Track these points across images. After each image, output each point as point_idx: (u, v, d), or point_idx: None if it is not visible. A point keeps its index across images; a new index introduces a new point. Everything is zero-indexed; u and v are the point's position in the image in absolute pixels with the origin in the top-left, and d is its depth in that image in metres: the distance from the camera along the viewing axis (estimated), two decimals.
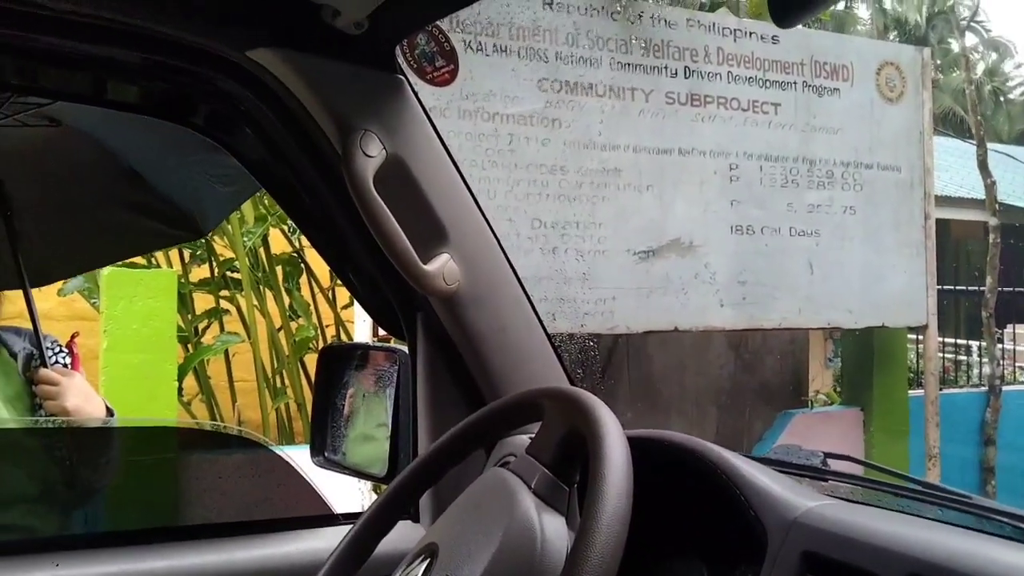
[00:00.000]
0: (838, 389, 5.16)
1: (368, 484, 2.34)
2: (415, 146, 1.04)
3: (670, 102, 3.33)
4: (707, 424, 3.96)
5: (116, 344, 2.99)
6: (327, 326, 4.04)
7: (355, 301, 3.90)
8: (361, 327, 3.31)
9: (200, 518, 1.20)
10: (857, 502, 0.77)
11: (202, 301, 3.90)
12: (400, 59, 1.04)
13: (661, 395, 4.05)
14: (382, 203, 0.98)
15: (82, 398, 1.45)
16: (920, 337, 4.33)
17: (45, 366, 1.48)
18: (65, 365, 1.53)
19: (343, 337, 3.98)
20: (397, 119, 1.03)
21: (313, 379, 3.88)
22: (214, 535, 1.08)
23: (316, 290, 4.04)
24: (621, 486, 0.60)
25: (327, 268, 4.09)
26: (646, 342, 3.88)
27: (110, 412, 1.52)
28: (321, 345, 3.95)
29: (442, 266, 1.06)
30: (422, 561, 0.71)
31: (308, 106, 1.01)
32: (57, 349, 1.55)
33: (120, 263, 3.11)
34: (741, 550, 0.74)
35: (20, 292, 1.63)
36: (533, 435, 1.00)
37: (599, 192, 3.15)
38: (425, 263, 1.04)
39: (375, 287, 1.19)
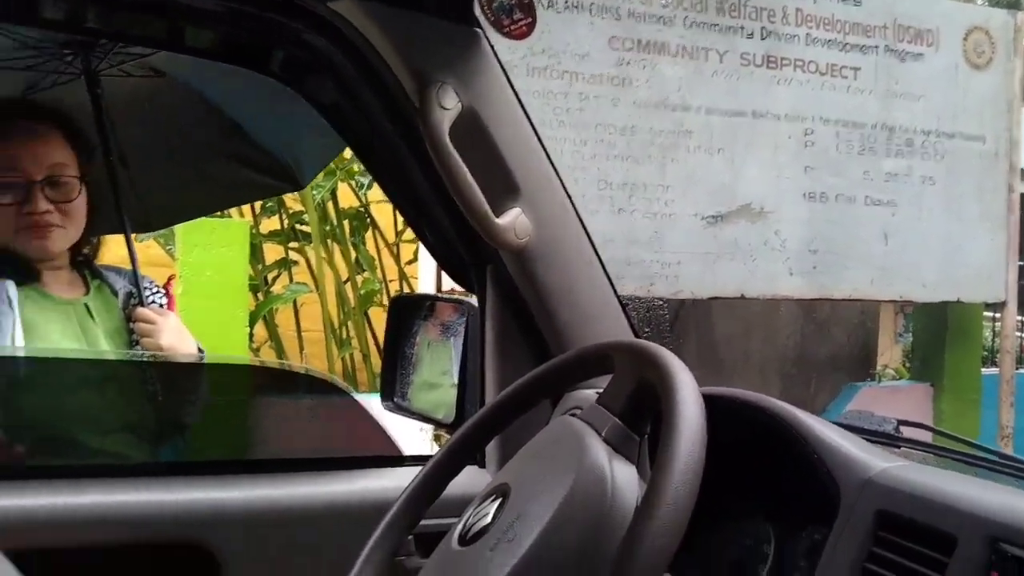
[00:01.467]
0: (907, 365, 5.02)
1: (428, 430, 2.39)
2: (490, 99, 1.05)
3: (745, 63, 3.24)
4: (770, 393, 3.88)
5: (191, 289, 3.09)
6: (391, 280, 4.10)
7: (418, 257, 3.96)
8: (425, 281, 3.35)
9: (274, 453, 1.26)
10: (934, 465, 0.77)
11: (272, 252, 4.00)
12: (477, 11, 1.04)
13: (724, 361, 4.01)
14: (457, 155, 0.99)
15: (176, 337, 1.52)
16: (997, 314, 4.17)
17: (143, 305, 1.55)
18: (161, 305, 1.60)
19: (406, 291, 4.04)
20: (473, 72, 1.03)
21: (378, 331, 3.96)
22: (288, 469, 1.12)
23: (381, 245, 4.10)
24: (695, 438, 0.61)
25: (392, 224, 4.15)
26: (711, 308, 3.84)
27: (200, 352, 1.59)
28: (385, 299, 4.02)
29: (513, 220, 1.07)
30: (493, 500, 0.73)
31: (387, 57, 1.02)
32: (155, 290, 1.62)
33: None
34: (811, 509, 0.74)
35: (117, 238, 1.69)
36: (600, 390, 1.02)
37: (668, 154, 3.10)
38: (497, 216, 1.05)
39: (447, 239, 1.21)
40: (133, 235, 1.75)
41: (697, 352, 3.97)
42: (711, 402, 0.80)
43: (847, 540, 0.69)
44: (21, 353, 1.43)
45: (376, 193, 4.16)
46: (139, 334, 1.51)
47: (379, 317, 4.00)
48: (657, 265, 3.05)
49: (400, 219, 4.13)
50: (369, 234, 4.10)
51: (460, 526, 0.74)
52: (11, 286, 1.42)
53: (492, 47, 1.08)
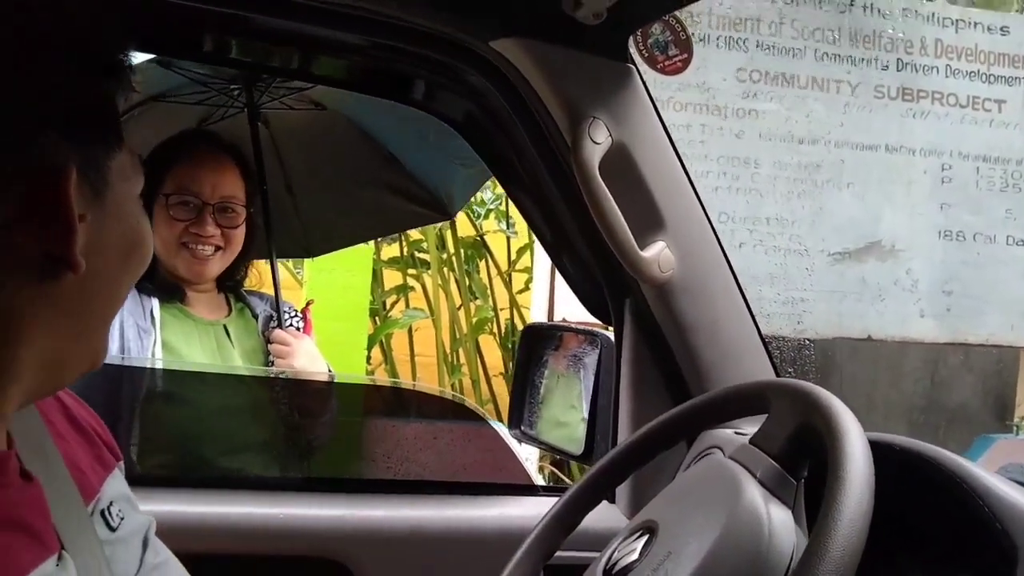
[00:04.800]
0: None
1: (534, 460, 2.41)
2: (640, 134, 1.06)
3: (879, 96, 3.13)
4: None
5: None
6: (502, 309, 4.15)
7: (530, 286, 4.00)
8: (537, 311, 3.37)
9: (411, 475, 1.29)
10: None
11: (391, 278, 4.13)
12: (632, 49, 1.06)
13: (848, 406, 3.84)
14: (606, 189, 1.01)
15: (308, 359, 1.60)
16: None
17: (281, 327, 1.65)
18: (298, 329, 1.69)
19: (517, 320, 4.07)
20: (625, 107, 1.05)
21: (487, 358, 4.00)
22: (425, 491, 1.15)
23: (494, 273, 4.16)
24: (864, 489, 0.59)
25: (505, 252, 4.20)
26: (835, 350, 3.69)
27: (330, 373, 1.68)
28: (495, 327, 4.07)
29: (658, 253, 1.07)
30: (639, 537, 0.73)
31: (541, 94, 1.05)
32: (293, 314, 1.72)
33: None
34: (981, 567, 0.71)
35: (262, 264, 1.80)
36: (739, 431, 1.00)
37: (794, 188, 3.02)
38: (642, 249, 1.06)
39: (587, 270, 1.22)
40: (297, 259, 1.87)
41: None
42: (877, 448, 0.78)
43: None
44: (170, 367, 1.53)
45: (491, 223, 4.24)
46: (274, 355, 1.60)
47: (488, 344, 4.05)
48: (780, 302, 2.97)
49: (513, 248, 4.19)
50: (482, 262, 4.17)
51: (604, 560, 0.74)
52: (156, 305, 1.54)
53: (644, 83, 1.09)
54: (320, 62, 1.21)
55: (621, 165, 1.04)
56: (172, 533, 1.02)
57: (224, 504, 1.06)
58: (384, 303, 4.08)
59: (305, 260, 3.44)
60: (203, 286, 1.61)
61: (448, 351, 3.91)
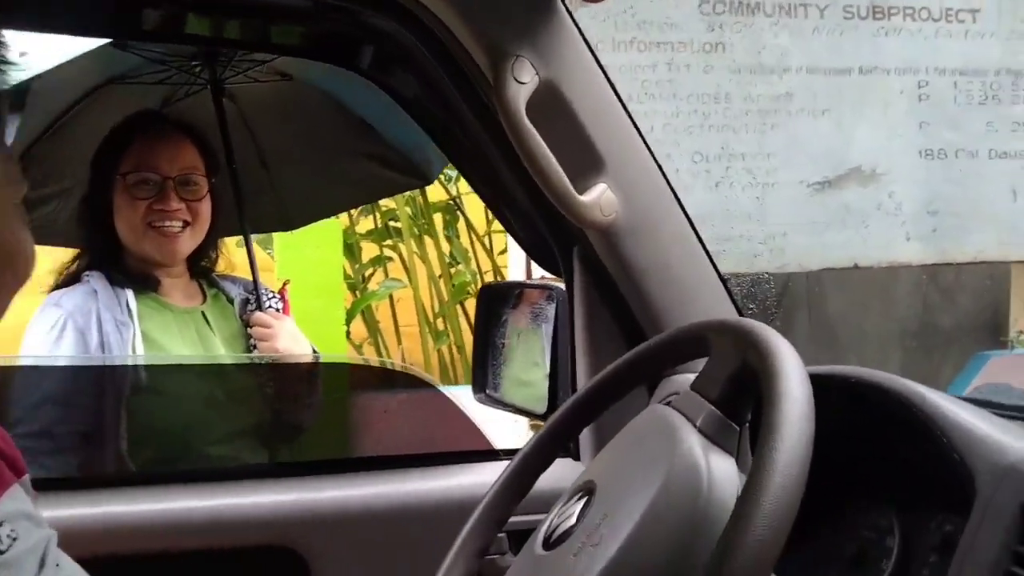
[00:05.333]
0: None
1: (524, 421, 2.37)
2: (570, 70, 0.99)
3: (848, 16, 3.03)
4: (890, 368, 3.65)
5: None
6: (485, 272, 4.10)
7: (509, 247, 3.95)
8: (515, 272, 3.32)
9: (362, 452, 1.25)
10: None
11: (369, 251, 4.07)
12: None
13: (840, 337, 3.80)
14: (534, 131, 0.94)
15: (291, 340, 1.56)
16: None
17: (261, 310, 1.61)
18: (277, 310, 1.65)
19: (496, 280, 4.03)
20: (551, 43, 0.97)
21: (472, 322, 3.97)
22: (377, 468, 1.10)
23: (474, 238, 4.10)
24: (801, 426, 0.54)
25: (484, 215, 4.15)
26: (823, 280, 3.64)
27: (315, 353, 1.64)
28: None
29: (599, 196, 1.01)
30: (579, 499, 0.68)
31: (459, 35, 0.98)
32: (270, 295, 1.68)
33: None
34: (940, 498, 0.66)
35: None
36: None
37: (768, 120, 2.94)
38: (581, 193, 0.99)
39: (530, 222, 1.16)
40: (275, 233, 1.83)
41: (809, 329, 3.77)
42: (824, 382, 0.73)
43: (985, 537, 0.60)
44: (129, 362, 1.47)
45: (466, 185, 4.17)
46: (256, 338, 1.56)
47: (473, 308, 4.00)
48: (760, 238, 2.90)
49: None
50: (462, 226, 4.11)
51: (545, 527, 0.69)
52: (131, 296, 1.50)
53: (572, 15, 1.02)
54: (230, 24, 1.14)
55: (551, 105, 0.98)
56: (108, 535, 0.98)
57: (164, 500, 1.01)
58: (363, 276, 4.03)
59: (275, 240, 3.37)
60: (175, 270, 1.57)
61: (432, 318, 3.86)
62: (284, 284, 1.77)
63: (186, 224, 1.53)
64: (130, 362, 1.47)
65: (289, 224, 2.41)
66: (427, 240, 3.97)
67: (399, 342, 4.07)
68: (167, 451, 1.35)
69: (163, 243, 1.52)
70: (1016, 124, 3.26)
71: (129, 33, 1.38)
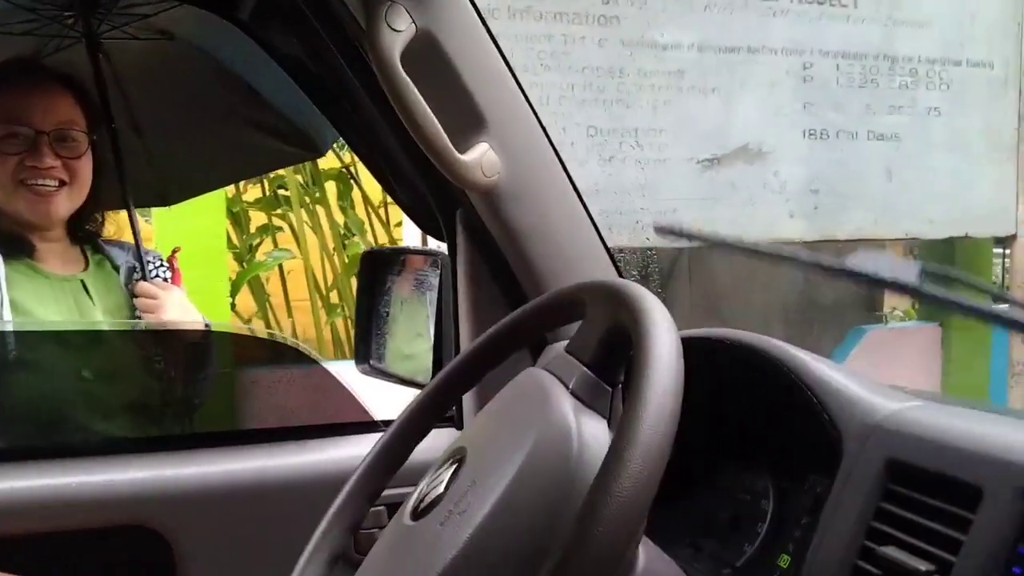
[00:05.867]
0: (916, 306, 4.92)
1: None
2: (449, 21, 0.94)
3: None
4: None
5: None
6: (381, 244, 4.01)
7: (405, 219, 3.87)
8: (411, 242, 3.25)
9: (240, 426, 1.18)
10: (954, 404, 0.67)
11: (258, 220, 3.91)
12: None
13: (725, 310, 3.91)
14: (410, 83, 0.89)
15: (179, 311, 1.46)
16: (1007, 249, 4.06)
17: (146, 279, 1.49)
18: (165, 279, 1.54)
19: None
20: None
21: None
22: (255, 440, 1.04)
23: (369, 209, 4.00)
24: (668, 383, 0.52)
25: (379, 186, 4.05)
26: (709, 254, 3.74)
27: (207, 325, 1.55)
28: None
29: (480, 156, 0.97)
30: (449, 467, 0.65)
31: None
32: (158, 264, 1.57)
33: None
34: (814, 460, 0.66)
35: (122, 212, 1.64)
36: None
37: (660, 96, 2.96)
38: (462, 153, 0.95)
39: (411, 184, 1.12)
40: (151, 208, 1.71)
41: (697, 302, 3.87)
42: (700, 344, 0.71)
43: (851, 494, 0.60)
44: None
45: None
46: (140, 310, 1.46)
47: None
48: (651, 213, 2.94)
49: None
50: (358, 196, 4.00)
51: (415, 497, 0.66)
52: (0, 261, 1.36)
53: None
54: None
55: (429, 57, 0.93)
56: None
57: (10, 479, 0.92)
58: (250, 246, 3.86)
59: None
60: (52, 233, 1.44)
61: (324, 291, 3.75)
62: (174, 251, 1.67)
63: (62, 183, 1.40)
64: None
65: (165, 199, 2.25)
66: (319, 210, 3.84)
67: (289, 315, 3.93)
68: (21, 427, 1.24)
69: (36, 203, 1.39)
70: (892, 107, 3.42)
71: None
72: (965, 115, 3.55)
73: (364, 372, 1.29)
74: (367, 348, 1.31)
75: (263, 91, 1.85)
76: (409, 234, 3.29)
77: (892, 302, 4.88)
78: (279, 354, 1.31)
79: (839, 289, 4.25)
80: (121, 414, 1.36)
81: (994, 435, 0.56)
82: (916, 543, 0.54)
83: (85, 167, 1.43)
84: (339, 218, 3.97)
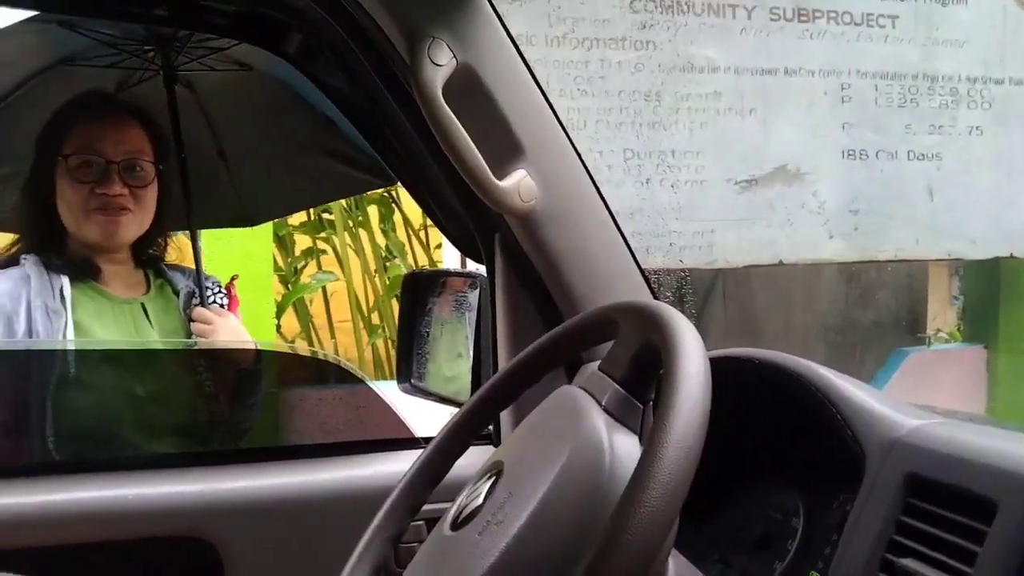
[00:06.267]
0: (961, 328, 4.83)
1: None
2: (487, 54, 0.98)
3: (775, 18, 3.10)
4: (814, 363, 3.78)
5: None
6: (421, 266, 4.07)
7: (445, 241, 3.93)
8: (451, 266, 3.30)
9: (287, 441, 1.22)
10: (974, 421, 0.69)
11: (302, 243, 4.00)
12: None
13: (765, 331, 3.89)
14: (451, 114, 0.93)
15: (231, 337, 1.52)
16: None
17: (204, 305, 1.55)
18: (222, 305, 1.60)
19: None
20: (468, 25, 0.97)
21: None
22: (296, 456, 1.08)
23: (410, 232, 4.07)
24: (695, 400, 0.54)
25: (419, 209, 4.11)
26: (749, 277, 3.73)
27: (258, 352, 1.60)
28: None
29: (518, 182, 1.00)
30: (487, 480, 0.68)
31: (376, 16, 0.97)
32: (217, 290, 1.62)
33: None
34: (839, 476, 0.67)
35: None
36: None
37: (697, 118, 2.99)
38: (500, 179, 0.99)
39: (452, 210, 1.16)
40: (234, 228, 1.78)
41: (735, 325, 3.85)
42: (728, 363, 0.74)
43: (872, 509, 0.62)
44: (43, 347, 1.42)
45: None
46: (195, 334, 1.52)
47: None
48: (689, 235, 2.95)
49: None
50: (399, 219, 4.07)
51: (454, 509, 0.69)
52: (66, 283, 1.44)
53: (491, 1, 1.01)
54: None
55: (469, 89, 0.97)
56: (17, 527, 0.94)
57: (71, 491, 0.97)
58: (295, 268, 3.96)
59: (202, 231, 3.28)
60: (118, 257, 1.51)
61: (366, 312, 3.82)
62: (232, 279, 1.74)
63: (128, 210, 1.48)
64: (46, 347, 1.41)
65: (248, 220, 2.35)
66: (361, 233, 3.91)
67: (332, 336, 4.00)
68: (79, 441, 1.30)
69: (104, 224, 1.46)
70: (932, 126, 3.39)
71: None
72: (1007, 133, 3.51)
73: (405, 391, 1.33)
74: (408, 367, 1.34)
75: (336, 120, 1.93)
76: (448, 256, 3.34)
77: (936, 323, 4.80)
78: (325, 373, 1.35)
79: (881, 310, 4.20)
80: (172, 432, 1.41)
81: (1009, 450, 0.57)
82: (935, 555, 0.55)
83: (151, 195, 1.50)
84: (381, 241, 4.05)
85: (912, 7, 3.34)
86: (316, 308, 4.04)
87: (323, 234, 3.95)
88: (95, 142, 1.46)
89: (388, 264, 3.99)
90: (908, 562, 0.57)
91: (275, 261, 3.69)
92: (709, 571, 0.69)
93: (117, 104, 1.56)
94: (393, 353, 3.83)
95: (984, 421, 0.70)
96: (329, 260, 3.99)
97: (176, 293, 1.57)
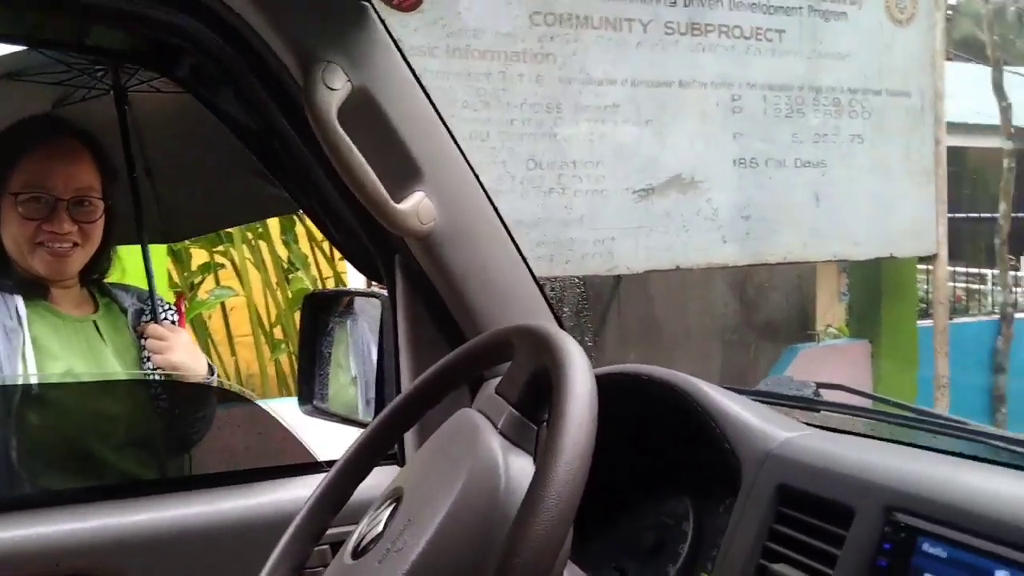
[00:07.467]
0: (849, 323, 5.11)
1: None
2: (383, 78, 0.99)
3: (669, 32, 3.22)
4: (711, 363, 3.95)
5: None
6: (325, 278, 4.01)
7: None
8: (355, 279, 3.28)
9: (183, 470, 1.19)
10: (844, 431, 0.74)
11: (198, 257, 3.89)
12: None
13: (664, 335, 4.02)
14: (346, 138, 0.94)
15: (188, 354, 1.50)
16: (930, 267, 4.26)
17: (156, 322, 1.53)
18: (173, 322, 1.58)
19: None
20: (362, 49, 0.97)
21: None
22: (198, 486, 1.06)
23: (313, 244, 4.01)
24: (581, 421, 0.57)
25: None
26: (648, 282, 3.84)
27: (211, 370, 1.56)
28: None
29: (416, 204, 1.01)
30: (387, 506, 0.69)
31: (268, 40, 0.96)
32: (166, 307, 1.61)
33: None
34: (723, 480, 0.71)
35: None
36: None
37: (596, 129, 3.07)
38: (398, 202, 1.00)
39: (352, 231, 1.16)
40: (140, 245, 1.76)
41: (636, 328, 3.97)
42: (618, 380, 0.77)
43: (749, 517, 0.66)
44: None
45: None
46: (150, 351, 1.50)
47: None
48: (591, 243, 3.02)
49: None
50: (301, 231, 4.00)
51: (355, 536, 0.70)
52: (20, 303, 1.41)
53: (384, 23, 1.02)
54: (45, 22, 1.07)
55: (364, 112, 0.97)
56: None
57: None
58: (191, 283, 3.84)
59: None
60: (66, 282, 1.48)
61: (268, 327, 3.73)
62: (180, 297, 1.71)
63: (76, 245, 1.45)
64: None
65: (167, 236, 2.34)
66: (261, 245, 3.82)
67: (233, 353, 3.90)
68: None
69: (51, 262, 1.44)
70: (818, 135, 3.58)
71: None
72: (886, 142, 3.74)
73: (308, 413, 1.31)
74: (310, 389, 1.33)
75: None
76: (354, 269, 3.31)
77: (826, 319, 5.06)
78: (225, 400, 1.33)
79: (773, 310, 4.39)
80: (71, 467, 1.36)
81: (867, 461, 0.63)
82: (803, 560, 0.60)
83: (98, 228, 1.48)
84: (282, 253, 3.97)
85: (798, 22, 3.52)
86: (215, 323, 3.93)
87: (221, 247, 3.84)
88: (46, 179, 1.43)
89: (290, 277, 3.91)
90: (779, 567, 0.61)
91: (170, 276, 3.57)
92: None
93: (67, 131, 1.52)
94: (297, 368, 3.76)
95: (848, 430, 0.76)
96: (228, 274, 3.89)
97: (124, 311, 1.56)
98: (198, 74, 1.16)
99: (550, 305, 1.14)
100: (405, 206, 1.00)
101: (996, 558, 0.53)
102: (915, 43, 3.82)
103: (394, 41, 1.02)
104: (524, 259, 1.12)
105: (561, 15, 3.04)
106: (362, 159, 0.95)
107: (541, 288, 1.13)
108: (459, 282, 1.07)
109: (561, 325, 1.12)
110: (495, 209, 1.11)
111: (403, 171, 1.01)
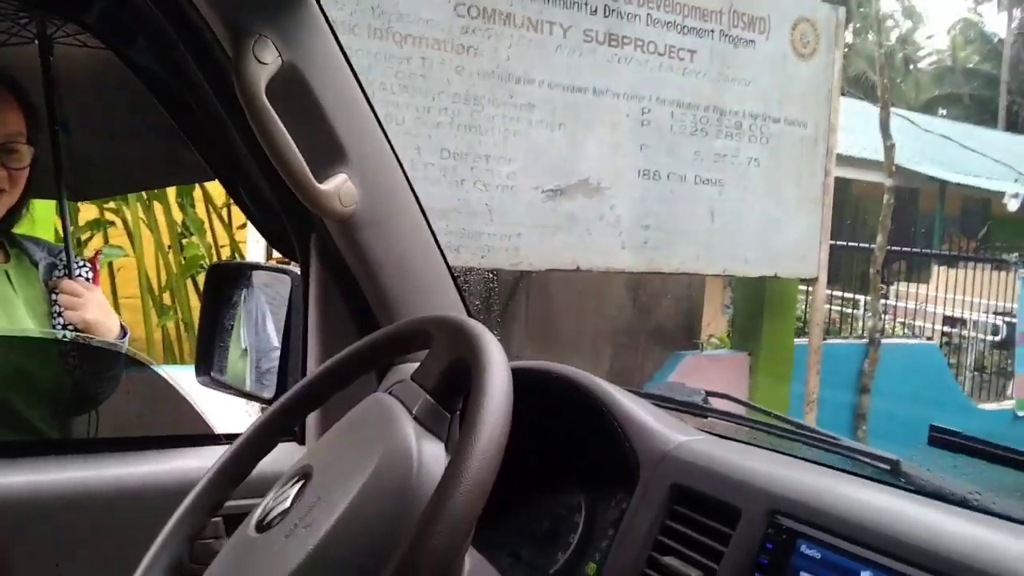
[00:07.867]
0: (730, 335, 5.37)
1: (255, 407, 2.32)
2: (314, 56, 0.99)
3: (588, 40, 3.29)
4: (602, 362, 4.07)
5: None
6: (221, 246, 3.89)
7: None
8: (254, 249, 3.21)
9: (77, 434, 1.15)
10: (730, 438, 0.80)
11: (87, 212, 3.70)
12: None
13: (560, 332, 4.11)
14: (273, 113, 0.93)
15: (101, 312, 1.45)
16: (810, 289, 4.52)
17: (71, 277, 1.48)
18: (87, 279, 1.53)
19: (237, 259, 3.85)
20: (295, 25, 0.97)
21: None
22: (91, 450, 1.03)
23: (211, 209, 3.87)
24: (499, 414, 0.60)
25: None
26: (548, 280, 3.92)
27: (124, 331, 1.51)
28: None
29: (338, 186, 1.02)
30: (295, 483, 0.70)
31: (201, 8, 0.94)
32: (80, 263, 1.55)
33: None
34: (619, 480, 0.76)
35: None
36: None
37: (511, 126, 3.11)
38: (320, 182, 1.00)
39: (268, 206, 1.15)
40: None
41: (533, 324, 4.05)
42: (528, 376, 0.80)
43: (644, 512, 0.71)
44: None
45: None
46: (63, 306, 1.45)
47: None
48: (497, 237, 3.07)
49: None
50: (199, 195, 3.86)
51: (259, 510, 0.70)
52: None
53: (319, 2, 1.02)
54: None
55: (293, 89, 0.97)
56: None
57: None
58: (79, 240, 3.65)
59: None
60: None
61: (157, 292, 3.59)
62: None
63: (3, 191, 1.40)
64: None
65: (77, 194, 2.25)
66: (156, 206, 3.67)
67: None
68: None
69: None
70: (718, 155, 3.75)
71: None
72: (780, 167, 3.95)
73: (205, 384, 1.29)
74: (209, 360, 1.31)
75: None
76: (253, 238, 3.23)
77: (710, 330, 5.29)
78: (121, 363, 1.29)
79: (662, 317, 4.56)
80: None
81: (752, 466, 0.69)
82: (691, 554, 0.65)
83: (24, 176, 1.43)
84: (177, 216, 3.83)
85: (709, 45, 3.66)
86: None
87: (112, 204, 3.67)
88: None
89: (184, 242, 3.78)
90: (669, 560, 0.66)
91: (56, 232, 3.38)
92: (500, 564, 0.75)
93: None
94: (185, 336, 3.64)
95: (735, 437, 0.83)
96: (118, 233, 3.71)
97: (35, 264, 1.50)
98: (124, 33, 1.12)
99: (462, 294, 1.17)
100: (327, 187, 1.00)
101: (863, 561, 0.60)
102: (815, 77, 4.05)
103: (327, 20, 1.02)
104: (441, 250, 1.14)
105: (485, 9, 3.06)
106: (288, 137, 0.95)
107: (455, 278, 1.16)
108: (376, 268, 1.08)
109: (472, 317, 1.15)
110: (415, 196, 1.12)
111: (328, 151, 1.01)
